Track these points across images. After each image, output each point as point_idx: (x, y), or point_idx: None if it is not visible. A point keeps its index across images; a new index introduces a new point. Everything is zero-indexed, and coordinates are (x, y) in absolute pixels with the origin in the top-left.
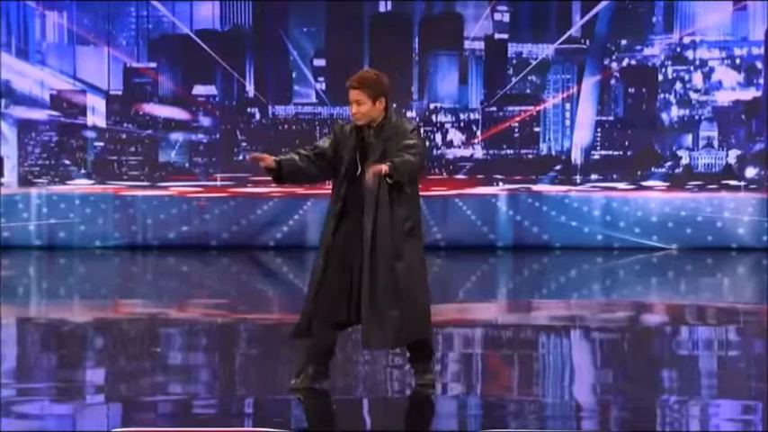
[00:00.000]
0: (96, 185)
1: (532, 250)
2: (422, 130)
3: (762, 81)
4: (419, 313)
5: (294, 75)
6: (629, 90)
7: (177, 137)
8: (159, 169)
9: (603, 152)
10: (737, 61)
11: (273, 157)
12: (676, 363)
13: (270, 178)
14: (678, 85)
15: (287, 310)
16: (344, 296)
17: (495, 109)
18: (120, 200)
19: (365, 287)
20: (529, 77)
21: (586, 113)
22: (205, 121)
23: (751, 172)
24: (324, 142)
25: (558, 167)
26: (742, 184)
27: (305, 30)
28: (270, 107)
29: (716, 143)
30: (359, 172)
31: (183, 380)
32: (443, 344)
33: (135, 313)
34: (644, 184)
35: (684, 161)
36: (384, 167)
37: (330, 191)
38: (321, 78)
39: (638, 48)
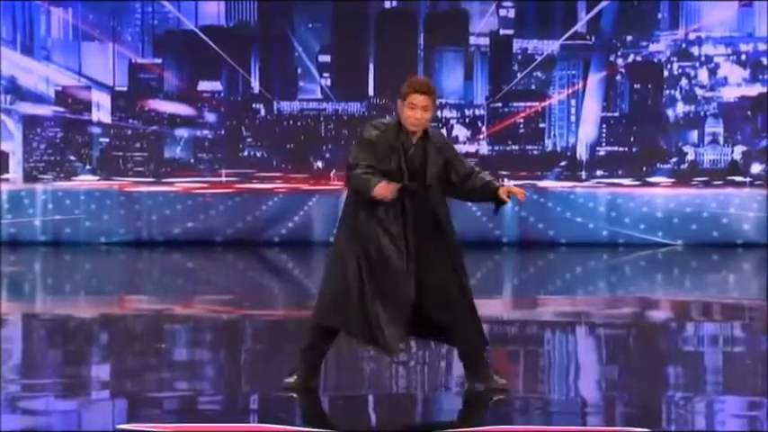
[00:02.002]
0: (102, 181)
1: (538, 246)
2: None
3: (767, 77)
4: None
5: (299, 71)
6: (635, 86)
7: (182, 133)
8: (164, 165)
9: (609, 148)
10: (743, 57)
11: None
12: (682, 359)
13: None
14: (684, 82)
15: (292, 307)
16: (407, 309)
17: (500, 105)
18: (125, 196)
19: (453, 296)
20: (534, 73)
21: (592, 109)
22: (210, 117)
23: (756, 168)
24: (378, 164)
25: (563, 163)
26: (747, 180)
27: (310, 26)
28: (275, 103)
29: (721, 139)
30: (406, 182)
31: (189, 376)
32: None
33: (140, 309)
34: (649, 180)
35: (690, 157)
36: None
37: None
38: (326, 74)
39: (644, 44)
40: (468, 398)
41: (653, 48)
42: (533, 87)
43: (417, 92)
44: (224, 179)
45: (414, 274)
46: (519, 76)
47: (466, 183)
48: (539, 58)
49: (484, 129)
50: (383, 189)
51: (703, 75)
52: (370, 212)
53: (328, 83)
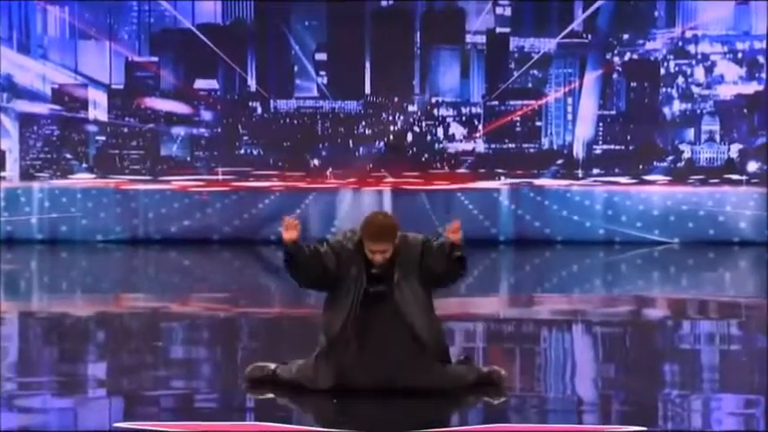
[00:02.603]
0: (98, 179)
1: (534, 244)
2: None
3: (764, 75)
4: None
5: (296, 69)
6: (632, 84)
7: (179, 131)
8: (161, 163)
9: (605, 146)
10: (739, 55)
11: (297, 238)
12: (678, 357)
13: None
14: (680, 80)
15: (288, 305)
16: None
17: (496, 103)
18: (121, 194)
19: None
20: (531, 71)
21: (588, 108)
22: (207, 115)
23: (753, 166)
24: (329, 255)
25: (559, 162)
26: (744, 178)
27: (306, 24)
28: (271, 101)
29: (718, 137)
30: (369, 290)
31: (185, 374)
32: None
33: (137, 307)
34: (646, 178)
35: (686, 155)
36: (457, 237)
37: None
38: (323, 72)
39: (641, 42)
40: (465, 396)
41: (649, 46)
42: (530, 85)
43: (376, 241)
44: (220, 177)
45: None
46: (515, 74)
47: (443, 270)
48: (535, 57)
49: (480, 127)
50: (288, 221)
51: (700, 73)
52: (338, 322)
53: (325, 81)
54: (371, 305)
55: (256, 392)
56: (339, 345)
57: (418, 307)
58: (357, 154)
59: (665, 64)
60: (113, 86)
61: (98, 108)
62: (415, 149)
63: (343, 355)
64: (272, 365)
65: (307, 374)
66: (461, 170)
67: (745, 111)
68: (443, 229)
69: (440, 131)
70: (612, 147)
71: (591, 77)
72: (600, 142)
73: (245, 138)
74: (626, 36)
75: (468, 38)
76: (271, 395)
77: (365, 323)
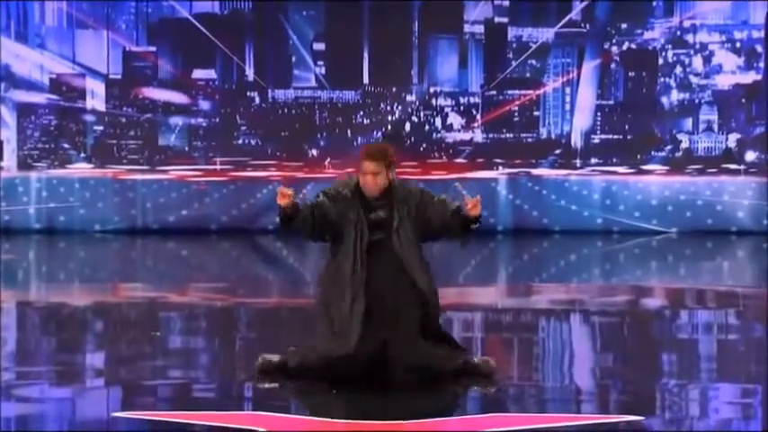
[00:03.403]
0: (96, 169)
1: (532, 234)
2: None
3: (762, 65)
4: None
5: (294, 59)
6: (630, 74)
7: (177, 121)
8: (159, 153)
9: (603, 136)
10: (738, 45)
11: (294, 200)
12: (676, 346)
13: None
14: (678, 69)
15: (286, 294)
16: (371, 361)
17: (494, 93)
18: (119, 184)
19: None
20: (529, 61)
21: (586, 97)
22: (205, 104)
23: (751, 155)
24: (327, 205)
25: (557, 151)
26: (742, 167)
27: (304, 13)
28: (269, 91)
29: (716, 127)
30: (370, 237)
31: (183, 364)
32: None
33: (134, 297)
34: (644, 167)
35: (684, 145)
36: (476, 211)
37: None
38: (321, 62)
39: (639, 31)
40: (462, 385)
41: (647, 35)
42: (528, 75)
43: (366, 159)
44: (218, 167)
45: (379, 327)
46: (514, 63)
47: (447, 223)
48: (533, 46)
49: (478, 117)
50: (281, 193)
51: (698, 62)
52: (339, 267)
53: (323, 71)
54: (371, 251)
55: (265, 383)
56: (346, 294)
57: (413, 255)
58: (355, 144)
59: (664, 53)
60: (111, 76)
61: (96, 98)
62: (413, 139)
63: (347, 306)
64: (277, 357)
65: (323, 348)
66: (459, 160)
67: (743, 100)
68: (461, 187)
69: (438, 121)
70: (610, 136)
71: (589, 67)
72: (598, 132)
73: (243, 128)
74: (624, 26)
75: (467, 28)
76: (270, 385)
77: (368, 267)
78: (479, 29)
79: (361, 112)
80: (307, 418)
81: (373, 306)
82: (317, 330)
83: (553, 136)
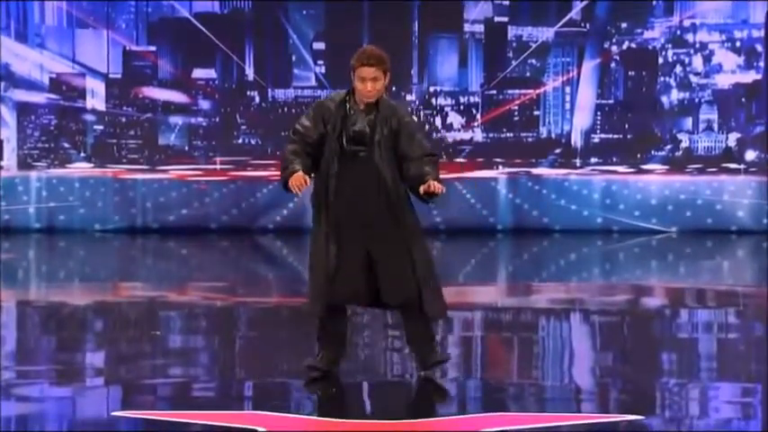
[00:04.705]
0: (96, 169)
1: (532, 233)
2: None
3: (762, 64)
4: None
5: (294, 58)
6: (630, 73)
7: (177, 120)
8: (159, 152)
9: (603, 135)
10: (738, 44)
11: (300, 173)
12: (676, 345)
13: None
14: (678, 68)
15: (286, 294)
16: (362, 278)
17: (494, 92)
18: (119, 183)
19: (399, 263)
20: (529, 61)
21: (586, 97)
22: (204, 104)
23: (751, 155)
24: (312, 130)
25: (557, 151)
26: (742, 167)
27: (304, 13)
28: (269, 90)
29: (716, 126)
30: (346, 145)
31: (183, 363)
32: (443, 327)
33: (134, 296)
34: (644, 167)
35: (684, 144)
36: (439, 188)
37: None
38: (320, 62)
39: (639, 31)
40: (462, 384)
41: (647, 35)
42: (528, 74)
43: (365, 65)
44: (218, 166)
45: (357, 242)
46: (513, 63)
47: (404, 164)
48: (533, 46)
49: (478, 116)
50: (295, 180)
51: (698, 62)
52: (320, 178)
53: (323, 70)
54: (351, 165)
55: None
56: (322, 193)
57: (393, 170)
58: None
59: (664, 53)
60: (111, 76)
61: (96, 97)
62: None
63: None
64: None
65: (317, 284)
66: (459, 159)
67: (744, 100)
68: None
69: (438, 121)
70: (610, 136)
71: (589, 66)
72: (598, 131)
73: (243, 127)
74: (624, 25)
75: (467, 27)
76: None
77: (345, 180)
78: (479, 28)
79: None
80: (307, 417)
81: (352, 220)
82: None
83: (553, 135)
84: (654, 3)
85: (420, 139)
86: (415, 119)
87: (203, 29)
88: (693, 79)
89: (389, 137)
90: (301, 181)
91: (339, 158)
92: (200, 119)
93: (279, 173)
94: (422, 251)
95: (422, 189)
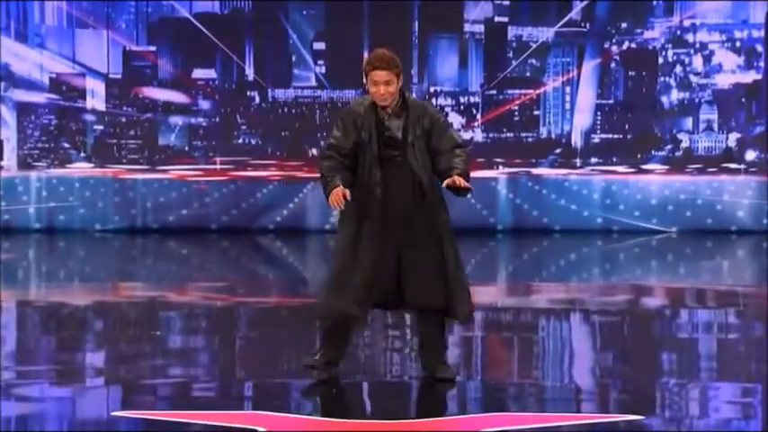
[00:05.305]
0: (96, 169)
1: (532, 233)
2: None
3: (762, 64)
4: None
5: (294, 58)
6: (630, 73)
7: (177, 120)
8: (159, 153)
9: (603, 135)
10: (738, 44)
11: (341, 187)
12: (676, 346)
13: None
14: (678, 69)
15: (286, 294)
16: (393, 283)
17: (494, 92)
18: (119, 183)
19: (429, 266)
20: (529, 61)
21: (586, 97)
22: (205, 104)
23: (751, 155)
24: (344, 140)
25: (557, 151)
26: (742, 167)
27: (305, 13)
28: (269, 90)
29: (716, 126)
30: (383, 151)
31: (183, 363)
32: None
33: (134, 296)
34: (644, 167)
35: (684, 144)
36: (464, 183)
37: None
38: (321, 62)
39: (639, 31)
40: (462, 385)
41: (648, 35)
42: (528, 74)
43: (377, 68)
44: (218, 167)
45: (391, 245)
46: (514, 63)
47: (436, 158)
48: (533, 46)
49: (479, 116)
50: (335, 197)
51: (698, 62)
52: (362, 186)
53: (323, 70)
54: (389, 170)
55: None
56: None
57: (428, 174)
58: None
59: (664, 53)
60: (111, 76)
61: (96, 97)
62: None
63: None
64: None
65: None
66: None
67: (744, 100)
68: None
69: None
70: (610, 136)
71: (589, 66)
72: (598, 131)
73: (244, 127)
74: (624, 25)
75: (467, 27)
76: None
77: (388, 185)
78: (479, 28)
79: None
80: (307, 417)
81: (389, 224)
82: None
83: (553, 135)
84: (654, 3)
85: (451, 134)
86: (454, 134)
87: (203, 29)
88: (693, 79)
89: (422, 136)
90: (341, 196)
91: (379, 165)
92: (200, 119)
93: (279, 173)
94: (453, 253)
95: (444, 183)
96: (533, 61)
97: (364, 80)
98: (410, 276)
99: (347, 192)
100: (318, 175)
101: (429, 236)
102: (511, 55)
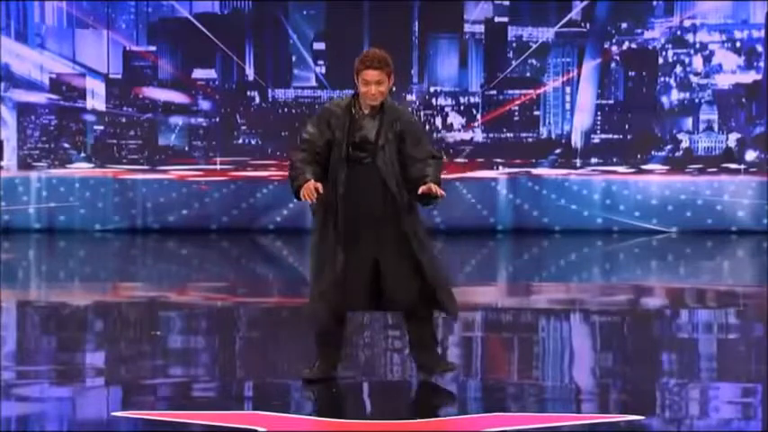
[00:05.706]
0: (96, 169)
1: (532, 233)
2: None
3: (762, 64)
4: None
5: (294, 58)
6: (630, 73)
7: (177, 120)
8: (159, 153)
9: (603, 135)
10: (738, 44)
11: (312, 181)
12: (676, 346)
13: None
14: (678, 69)
15: (286, 294)
16: (367, 284)
17: (495, 92)
18: (119, 183)
19: (404, 269)
20: (529, 61)
21: (586, 97)
22: (205, 104)
23: (751, 155)
24: (318, 137)
25: (558, 151)
26: (742, 167)
27: (305, 13)
28: (269, 91)
29: (716, 126)
30: (351, 152)
31: (183, 363)
32: (443, 327)
33: (135, 296)
34: (644, 167)
35: (684, 144)
36: (439, 191)
37: None
38: (321, 62)
39: (639, 31)
40: (462, 385)
41: (648, 35)
42: (528, 75)
43: (368, 68)
44: (218, 167)
45: (364, 248)
46: (514, 63)
47: (408, 166)
48: (533, 46)
49: (479, 116)
50: (307, 190)
51: (698, 62)
52: (329, 185)
53: (323, 70)
54: (357, 171)
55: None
56: (329, 199)
57: (396, 177)
58: None
59: (664, 53)
60: (111, 76)
61: (96, 97)
62: None
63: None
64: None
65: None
66: (459, 159)
67: (744, 100)
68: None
69: (438, 121)
70: (610, 136)
71: (589, 66)
72: (598, 131)
73: (244, 127)
74: (624, 25)
75: (467, 27)
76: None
77: (353, 186)
78: (479, 28)
79: None
80: (307, 417)
81: (359, 226)
82: (314, 281)
83: (553, 135)
84: (654, 3)
85: (426, 144)
86: (427, 142)
87: (203, 29)
88: (693, 79)
89: (394, 140)
90: (312, 189)
91: (346, 165)
92: (201, 119)
93: (279, 173)
94: (427, 253)
95: (420, 190)
96: (533, 61)
97: (355, 79)
98: (386, 280)
99: (319, 185)
100: (288, 166)
101: (402, 238)
102: (511, 55)
